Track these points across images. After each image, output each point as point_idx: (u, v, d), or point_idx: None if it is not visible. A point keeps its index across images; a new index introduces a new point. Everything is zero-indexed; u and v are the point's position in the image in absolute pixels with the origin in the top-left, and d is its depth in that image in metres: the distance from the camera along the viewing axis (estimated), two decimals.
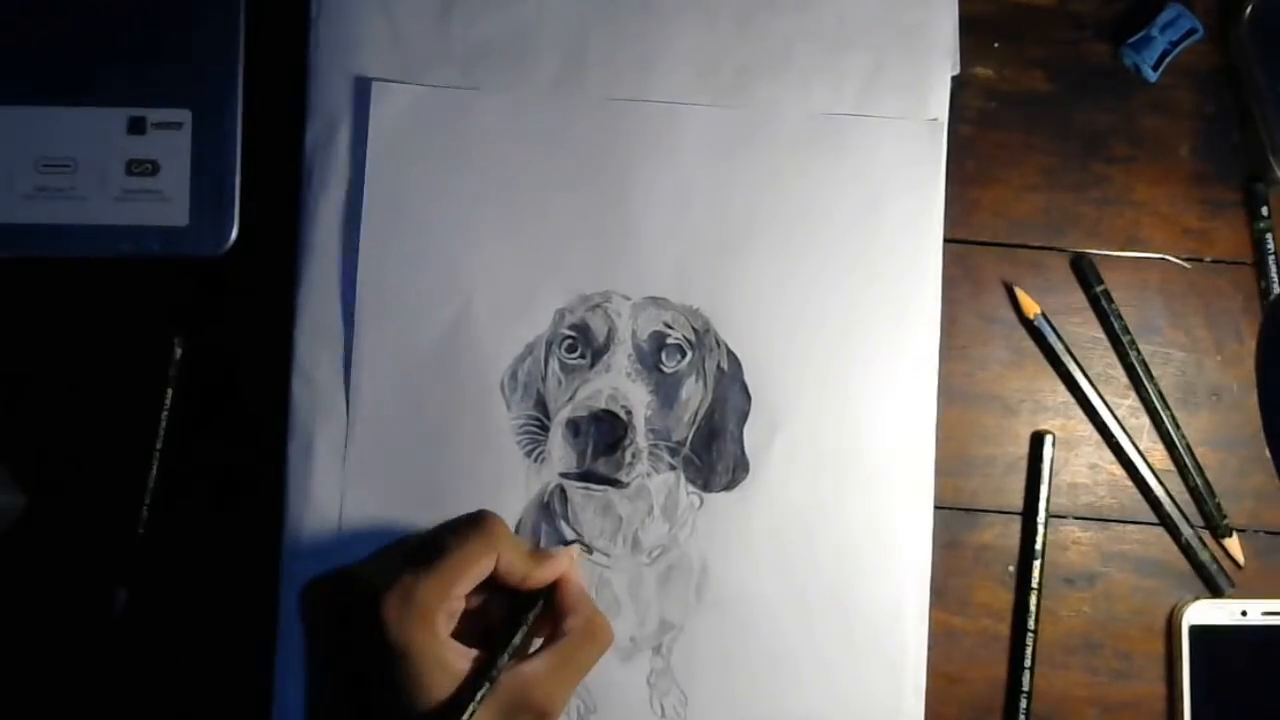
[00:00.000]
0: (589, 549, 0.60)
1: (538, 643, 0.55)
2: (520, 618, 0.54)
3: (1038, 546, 0.61)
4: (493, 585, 0.54)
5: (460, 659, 0.51)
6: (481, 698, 0.50)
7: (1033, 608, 0.61)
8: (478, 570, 0.53)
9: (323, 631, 0.56)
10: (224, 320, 0.61)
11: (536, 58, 0.61)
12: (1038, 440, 0.62)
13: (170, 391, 0.60)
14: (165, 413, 0.60)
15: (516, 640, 0.53)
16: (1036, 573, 0.61)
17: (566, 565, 0.55)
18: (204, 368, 0.61)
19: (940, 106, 0.62)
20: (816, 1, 0.62)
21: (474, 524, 0.54)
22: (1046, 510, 0.62)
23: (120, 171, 0.60)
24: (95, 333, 0.61)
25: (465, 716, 0.50)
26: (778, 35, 0.62)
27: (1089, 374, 0.62)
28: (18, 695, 0.60)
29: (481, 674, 0.51)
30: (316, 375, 0.60)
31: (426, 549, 0.53)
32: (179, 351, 0.60)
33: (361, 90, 0.61)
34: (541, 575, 0.54)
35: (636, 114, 0.61)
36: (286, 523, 0.59)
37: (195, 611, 0.60)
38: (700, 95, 0.61)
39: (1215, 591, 0.62)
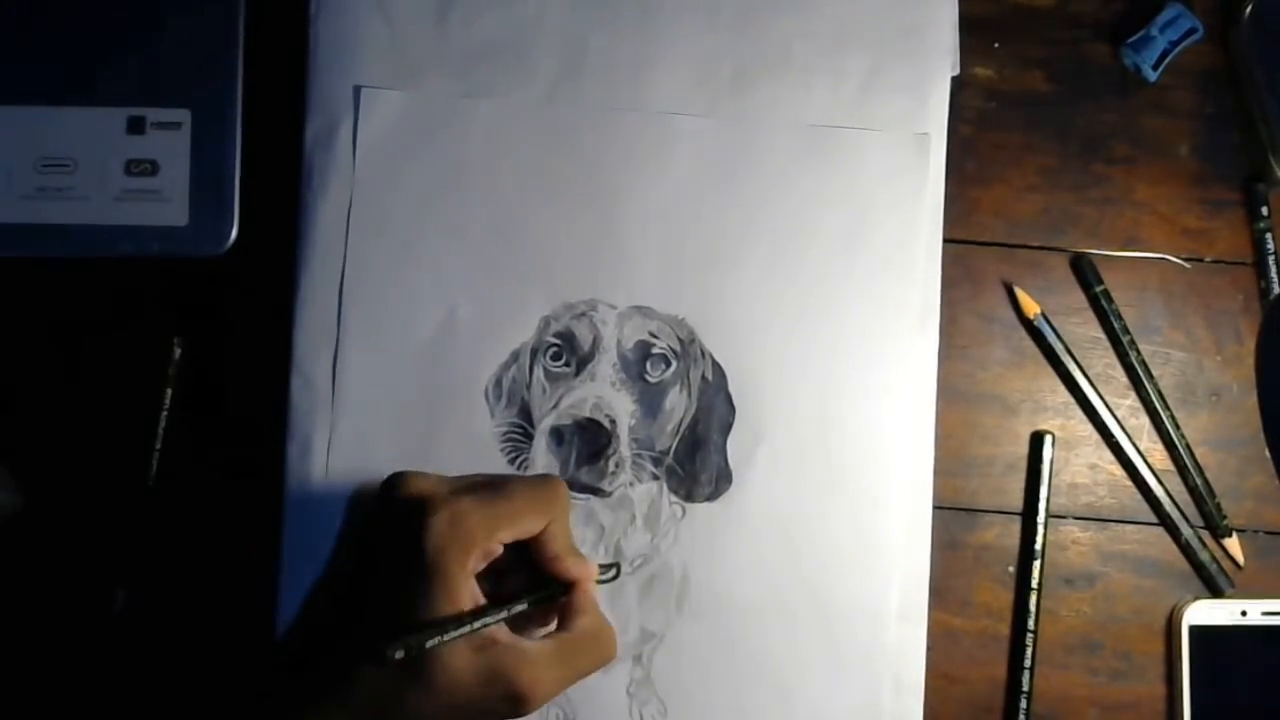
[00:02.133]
0: (615, 574, 0.59)
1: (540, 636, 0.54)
2: (533, 593, 0.53)
3: (1037, 546, 0.61)
4: (520, 554, 0.53)
5: (470, 600, 0.50)
6: (454, 636, 0.48)
7: (1032, 608, 0.61)
8: (530, 524, 0.52)
9: (358, 519, 0.55)
10: (224, 320, 0.61)
11: (535, 59, 0.61)
12: (1038, 440, 0.62)
13: (170, 391, 0.60)
14: (165, 413, 0.60)
15: (516, 607, 0.52)
16: (1036, 573, 0.61)
17: (591, 574, 0.54)
18: (204, 368, 0.61)
19: (940, 107, 0.62)
20: (816, 2, 0.62)
21: (543, 483, 0.54)
22: (1046, 510, 0.62)
23: (120, 171, 0.60)
24: (95, 333, 0.61)
25: (429, 643, 0.48)
26: (777, 36, 0.62)
27: (1089, 374, 0.62)
28: (17, 694, 0.60)
29: (468, 618, 0.50)
30: (316, 375, 0.60)
31: (492, 486, 0.53)
32: (179, 351, 0.60)
33: (360, 91, 0.61)
34: (572, 565, 0.53)
35: (625, 124, 0.61)
36: (286, 522, 0.59)
37: (195, 611, 0.60)
38: (699, 96, 0.61)
39: (1215, 591, 0.62)
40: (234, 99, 0.60)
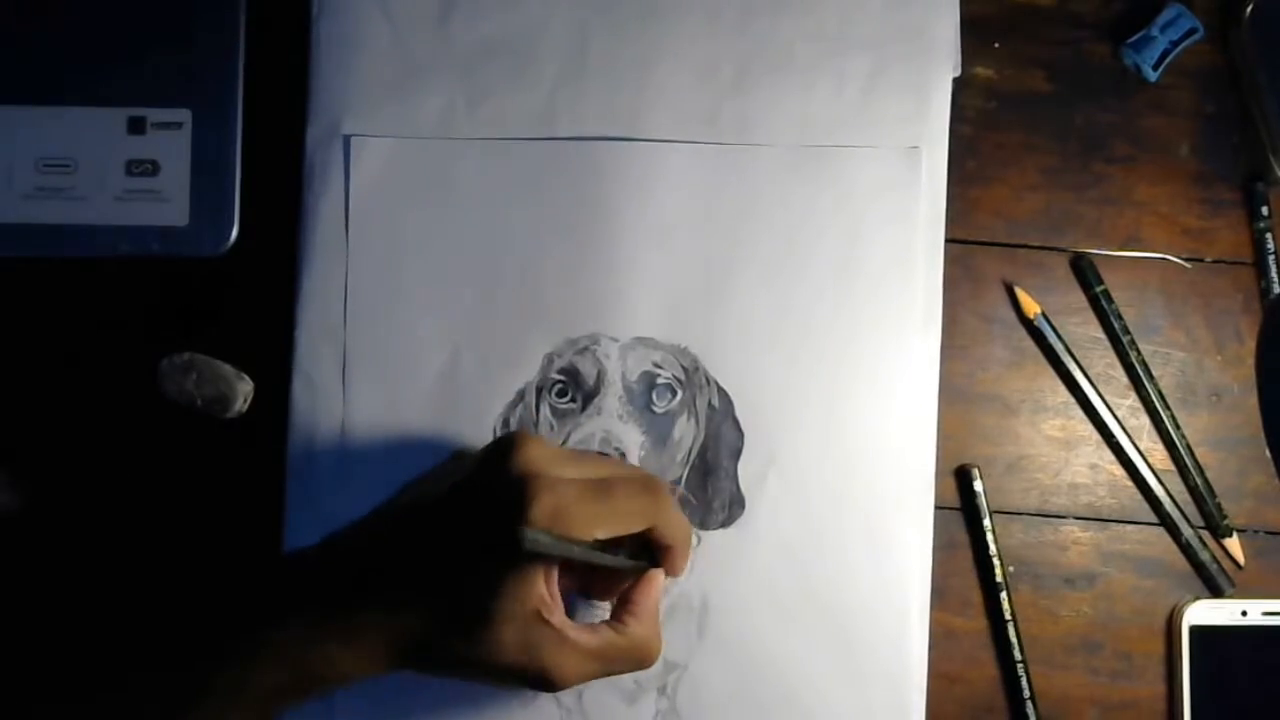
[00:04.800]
0: None
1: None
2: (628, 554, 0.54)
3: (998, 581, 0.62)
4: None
5: (545, 589, 0.50)
6: (572, 545, 0.49)
7: (1011, 621, 0.61)
8: (628, 526, 0.52)
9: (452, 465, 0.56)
10: (224, 320, 0.61)
11: (538, 59, 0.61)
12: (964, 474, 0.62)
13: None
14: None
15: (619, 561, 0.53)
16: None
17: (684, 548, 0.55)
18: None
19: (942, 108, 0.62)
20: (818, 3, 0.62)
21: (645, 488, 0.54)
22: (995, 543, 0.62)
23: (120, 171, 0.60)
24: (95, 333, 0.61)
25: (548, 541, 0.48)
26: (779, 38, 0.62)
27: (1089, 374, 0.62)
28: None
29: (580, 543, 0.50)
30: (316, 375, 0.60)
31: (599, 483, 0.52)
32: None
33: (363, 90, 0.61)
34: (680, 555, 0.55)
35: (615, 155, 0.61)
36: (288, 524, 0.59)
37: None
38: (701, 96, 0.61)
39: (1215, 591, 0.62)
40: (234, 99, 0.60)
